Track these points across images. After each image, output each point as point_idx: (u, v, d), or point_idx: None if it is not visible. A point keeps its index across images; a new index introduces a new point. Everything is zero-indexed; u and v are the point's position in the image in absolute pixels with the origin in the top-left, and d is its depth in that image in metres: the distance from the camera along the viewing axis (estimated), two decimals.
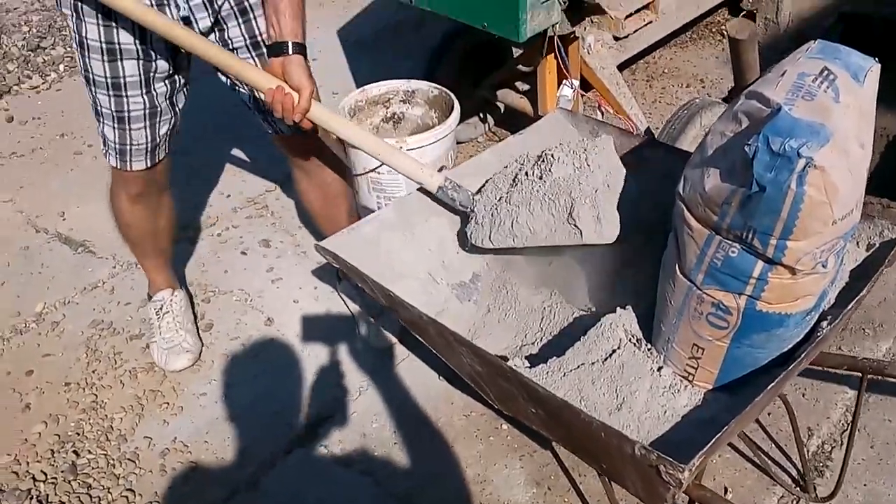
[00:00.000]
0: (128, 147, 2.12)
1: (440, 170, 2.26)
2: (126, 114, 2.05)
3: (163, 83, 2.05)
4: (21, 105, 3.82)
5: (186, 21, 1.90)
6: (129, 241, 2.46)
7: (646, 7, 2.94)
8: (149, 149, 2.14)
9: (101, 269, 2.85)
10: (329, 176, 2.38)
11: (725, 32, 3.91)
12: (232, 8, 1.94)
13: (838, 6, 3.96)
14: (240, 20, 1.96)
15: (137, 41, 1.93)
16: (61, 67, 4.00)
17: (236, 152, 3.40)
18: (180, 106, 2.15)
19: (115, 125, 2.07)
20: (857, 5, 3.80)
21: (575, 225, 1.70)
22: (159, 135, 2.13)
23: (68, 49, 4.04)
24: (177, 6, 1.88)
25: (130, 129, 2.08)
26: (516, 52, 2.99)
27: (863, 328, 2.35)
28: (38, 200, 3.19)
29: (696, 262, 1.44)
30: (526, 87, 3.24)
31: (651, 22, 2.99)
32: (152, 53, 1.98)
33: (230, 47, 1.97)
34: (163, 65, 2.01)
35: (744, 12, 3.91)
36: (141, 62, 1.97)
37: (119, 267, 2.81)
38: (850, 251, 1.67)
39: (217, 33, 1.98)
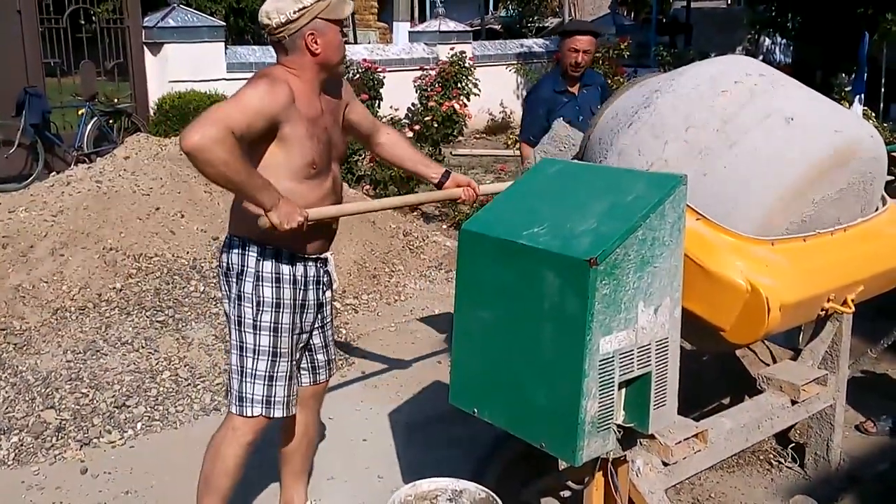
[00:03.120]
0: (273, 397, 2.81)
1: None
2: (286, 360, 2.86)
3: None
4: (97, 458, 3.86)
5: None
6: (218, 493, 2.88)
7: (695, 436, 3.03)
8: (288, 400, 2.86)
9: None
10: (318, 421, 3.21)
11: (773, 462, 3.92)
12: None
13: (892, 451, 3.97)
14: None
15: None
16: (139, 426, 4.08)
17: None
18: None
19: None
20: None
21: None
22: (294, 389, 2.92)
23: (149, 408, 4.18)
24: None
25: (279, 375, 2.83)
26: (563, 464, 3.04)
27: None
28: None
29: None
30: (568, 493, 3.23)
31: (700, 451, 3.05)
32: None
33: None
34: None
35: (792, 444, 3.95)
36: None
37: None
38: None
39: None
